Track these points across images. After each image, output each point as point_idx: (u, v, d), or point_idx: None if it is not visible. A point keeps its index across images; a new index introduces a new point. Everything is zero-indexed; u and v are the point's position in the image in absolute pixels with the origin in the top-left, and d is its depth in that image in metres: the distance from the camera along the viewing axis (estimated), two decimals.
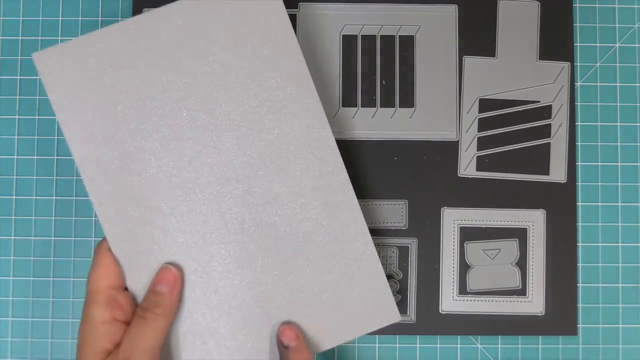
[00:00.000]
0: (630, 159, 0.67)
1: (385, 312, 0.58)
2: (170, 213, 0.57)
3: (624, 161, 0.67)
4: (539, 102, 0.67)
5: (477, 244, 0.66)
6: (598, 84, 0.68)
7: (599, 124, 0.67)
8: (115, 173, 0.56)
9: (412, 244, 0.66)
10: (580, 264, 0.66)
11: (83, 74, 0.57)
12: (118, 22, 0.57)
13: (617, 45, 0.68)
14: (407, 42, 0.67)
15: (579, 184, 0.67)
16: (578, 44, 0.68)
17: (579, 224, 0.67)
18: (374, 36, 0.67)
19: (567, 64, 0.67)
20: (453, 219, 0.66)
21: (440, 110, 0.66)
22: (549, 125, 0.67)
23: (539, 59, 0.67)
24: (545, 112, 0.67)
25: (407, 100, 0.66)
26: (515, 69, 0.67)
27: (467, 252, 0.66)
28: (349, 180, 0.57)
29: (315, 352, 0.56)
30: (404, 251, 0.66)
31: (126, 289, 0.56)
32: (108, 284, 0.55)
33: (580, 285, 0.66)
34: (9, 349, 0.65)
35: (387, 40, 0.67)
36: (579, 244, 0.66)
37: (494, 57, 0.67)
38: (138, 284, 0.56)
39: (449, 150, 0.66)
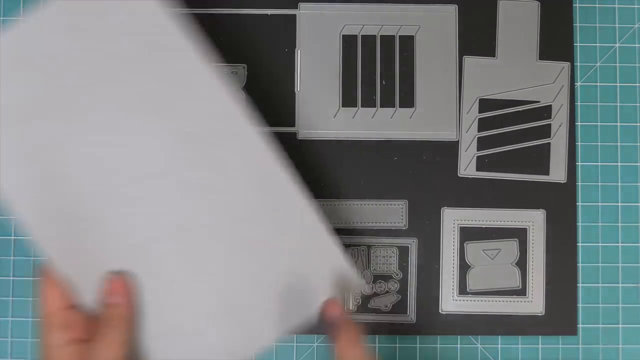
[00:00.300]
0: (630, 159, 0.67)
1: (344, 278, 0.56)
2: (106, 220, 0.55)
3: (624, 161, 0.67)
4: (539, 102, 0.67)
5: (477, 244, 0.66)
6: (598, 84, 0.68)
7: (599, 124, 0.67)
8: (40, 192, 0.54)
9: (412, 244, 0.66)
10: (580, 264, 0.66)
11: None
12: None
13: (617, 45, 0.68)
14: (407, 42, 0.67)
15: (579, 184, 0.67)
16: (578, 44, 0.68)
17: (579, 224, 0.67)
18: (374, 36, 0.67)
19: (567, 64, 0.67)
20: (453, 219, 0.66)
21: (440, 110, 0.66)
22: (549, 125, 0.67)
23: (539, 59, 0.67)
24: (545, 112, 0.67)
25: (407, 100, 0.66)
26: (515, 69, 0.67)
27: (467, 252, 0.66)
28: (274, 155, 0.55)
29: (283, 332, 0.55)
30: (403, 251, 0.66)
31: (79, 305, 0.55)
32: (57, 306, 0.53)
33: (580, 285, 0.66)
34: (9, 349, 0.65)
35: (387, 40, 0.67)
36: (579, 244, 0.66)
37: (494, 57, 0.67)
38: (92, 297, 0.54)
39: (449, 150, 0.66)
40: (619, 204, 0.67)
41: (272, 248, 0.56)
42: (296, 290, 0.56)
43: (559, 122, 0.67)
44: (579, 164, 0.67)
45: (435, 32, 0.67)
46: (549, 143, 0.67)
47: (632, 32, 0.68)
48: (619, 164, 0.67)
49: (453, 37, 0.67)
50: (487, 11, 0.67)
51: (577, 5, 0.68)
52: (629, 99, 0.68)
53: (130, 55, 0.55)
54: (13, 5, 0.68)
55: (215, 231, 0.56)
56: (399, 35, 0.67)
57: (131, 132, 0.55)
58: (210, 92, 0.55)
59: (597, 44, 0.68)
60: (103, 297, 0.54)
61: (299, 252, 0.56)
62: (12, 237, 0.66)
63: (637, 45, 0.68)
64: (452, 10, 0.67)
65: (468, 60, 0.67)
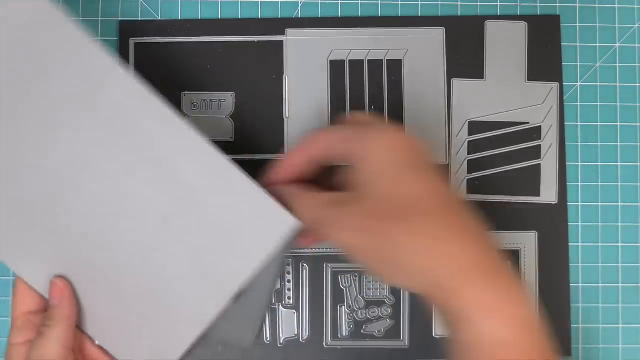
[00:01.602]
0: (630, 159, 0.67)
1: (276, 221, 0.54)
2: (51, 219, 0.56)
3: (623, 161, 0.67)
4: (529, 123, 0.66)
5: None
6: (598, 84, 0.67)
7: (599, 124, 0.67)
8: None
9: None
10: (580, 264, 0.66)
11: None
12: None
13: (617, 45, 0.68)
14: (395, 66, 0.67)
15: (579, 184, 0.66)
16: (578, 44, 0.67)
17: (579, 224, 0.66)
18: (362, 61, 0.67)
19: (555, 84, 0.67)
20: None
21: (429, 134, 0.66)
22: (539, 146, 0.66)
23: (528, 79, 0.67)
24: (534, 133, 0.66)
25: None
26: (504, 90, 0.67)
27: None
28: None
29: (232, 291, 0.55)
30: None
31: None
32: (23, 309, 0.57)
33: (580, 285, 0.66)
34: None
35: (375, 64, 0.67)
36: (579, 244, 0.66)
37: (483, 79, 0.67)
38: None
39: (440, 173, 0.65)
40: (619, 204, 0.67)
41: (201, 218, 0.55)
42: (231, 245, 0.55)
43: (549, 143, 0.66)
44: (579, 163, 0.67)
45: (423, 55, 0.67)
46: (540, 164, 0.66)
47: (632, 32, 0.68)
48: (619, 164, 0.67)
49: (441, 60, 0.67)
50: (475, 33, 0.67)
51: (577, 5, 0.68)
52: (629, 99, 0.67)
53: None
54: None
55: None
56: (387, 59, 0.67)
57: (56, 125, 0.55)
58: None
59: (597, 44, 0.68)
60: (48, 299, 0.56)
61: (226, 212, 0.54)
62: None
63: (637, 45, 0.68)
64: (439, 33, 0.67)
65: (457, 82, 0.67)
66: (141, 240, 0.56)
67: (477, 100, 0.67)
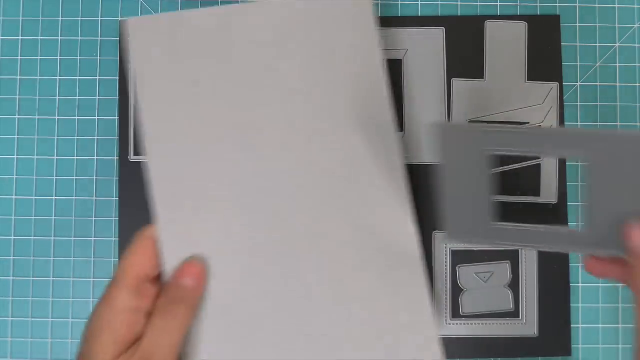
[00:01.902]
0: None
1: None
2: (226, 210, 0.57)
3: None
4: (529, 123, 0.66)
5: (469, 267, 0.65)
6: (598, 84, 0.67)
7: (599, 124, 0.67)
8: (181, 159, 0.58)
9: None
10: (580, 264, 0.66)
11: (169, 47, 0.58)
12: (210, 7, 0.60)
13: (617, 45, 0.67)
14: (395, 66, 0.67)
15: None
16: (578, 44, 0.67)
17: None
18: None
19: (555, 85, 0.67)
20: (444, 243, 0.66)
21: (429, 134, 0.66)
22: None
23: (528, 79, 0.66)
24: None
25: (396, 125, 0.66)
26: (504, 90, 0.66)
27: (460, 276, 0.65)
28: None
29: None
30: None
31: (160, 281, 0.56)
32: (139, 270, 0.54)
33: (580, 285, 0.66)
34: (9, 349, 0.65)
35: None
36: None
37: (483, 79, 0.67)
38: None
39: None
40: None
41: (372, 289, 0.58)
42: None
43: None
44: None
45: (423, 55, 0.67)
46: (539, 164, 0.66)
47: (632, 32, 0.68)
48: None
49: (441, 60, 0.67)
50: (475, 33, 0.67)
51: (577, 5, 0.68)
52: (629, 99, 0.67)
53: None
54: (13, 5, 0.68)
55: (325, 260, 0.58)
56: (387, 60, 0.66)
57: (288, 137, 0.58)
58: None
59: (597, 44, 0.67)
60: (175, 276, 0.55)
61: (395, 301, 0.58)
62: (12, 237, 0.66)
63: (637, 45, 0.68)
64: (439, 33, 0.67)
65: (457, 83, 0.67)
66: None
67: (477, 100, 0.66)
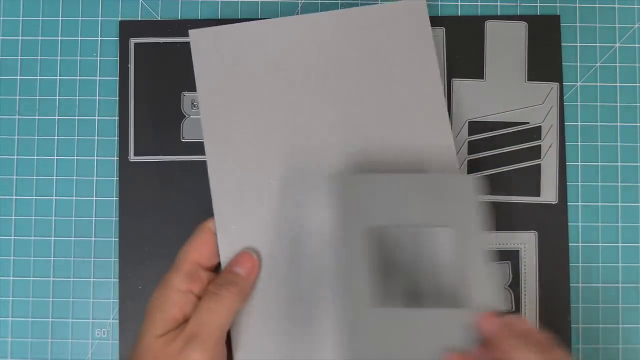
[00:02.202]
0: (630, 159, 0.67)
1: None
2: (277, 207, 0.60)
3: (623, 161, 0.67)
4: (529, 123, 0.66)
5: None
6: (598, 84, 0.67)
7: (598, 124, 0.67)
8: (238, 161, 0.60)
9: None
10: (580, 264, 0.66)
11: (228, 58, 0.61)
12: (268, 19, 0.62)
13: (617, 45, 0.67)
14: None
15: (579, 184, 0.66)
16: (578, 44, 0.67)
17: (579, 224, 0.66)
18: None
19: (555, 85, 0.67)
20: None
21: None
22: (539, 147, 0.66)
23: (528, 79, 0.67)
24: (534, 133, 0.66)
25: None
26: (504, 90, 0.66)
27: None
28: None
29: None
30: None
31: (214, 271, 0.58)
32: (196, 257, 0.57)
33: (580, 285, 0.66)
34: (9, 349, 0.65)
35: None
36: (579, 244, 0.66)
37: (483, 79, 0.67)
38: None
39: None
40: (619, 204, 0.67)
41: None
42: None
43: (548, 143, 0.66)
44: (579, 163, 0.66)
45: None
46: (539, 164, 0.66)
47: (632, 32, 0.68)
48: (619, 164, 0.67)
49: (441, 60, 0.67)
50: (475, 33, 0.67)
51: (577, 5, 0.68)
52: (629, 99, 0.67)
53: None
54: (13, 5, 0.68)
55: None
56: None
57: (345, 134, 0.61)
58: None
59: (597, 44, 0.67)
60: (228, 265, 0.57)
61: None
62: (12, 237, 0.66)
63: (637, 45, 0.68)
64: (439, 33, 0.67)
65: (457, 82, 0.67)
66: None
67: (477, 100, 0.66)
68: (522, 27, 0.67)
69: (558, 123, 0.66)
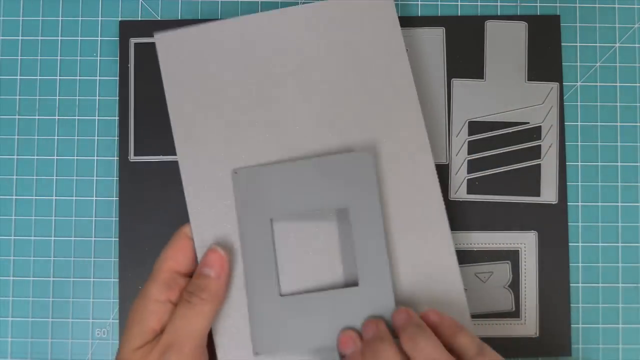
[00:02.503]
0: (630, 159, 0.67)
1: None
2: None
3: (623, 161, 0.67)
4: (529, 123, 0.66)
5: (469, 268, 0.65)
6: (598, 84, 0.67)
7: (599, 124, 0.67)
8: (212, 156, 0.59)
9: None
10: (580, 264, 0.66)
11: (196, 59, 0.60)
12: (235, 17, 0.61)
13: (617, 45, 0.67)
14: None
15: (580, 184, 0.66)
16: (578, 44, 0.67)
17: (579, 224, 0.66)
18: None
19: (555, 84, 0.67)
20: None
21: (429, 134, 0.65)
22: (539, 147, 0.66)
23: (528, 79, 0.67)
24: (534, 133, 0.66)
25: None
26: (504, 90, 0.66)
27: None
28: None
29: None
30: None
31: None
32: (172, 265, 0.56)
33: (580, 285, 0.66)
34: (9, 349, 0.65)
35: None
36: (579, 244, 0.66)
37: (483, 79, 0.67)
38: None
39: (439, 173, 0.64)
40: (619, 204, 0.67)
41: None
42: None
43: (548, 143, 0.66)
44: (579, 164, 0.66)
45: (423, 55, 0.67)
46: (539, 164, 0.66)
47: (632, 32, 0.68)
48: (619, 164, 0.67)
49: (441, 60, 0.67)
50: (475, 33, 0.67)
51: (577, 5, 0.68)
52: (629, 99, 0.67)
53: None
54: (13, 5, 0.68)
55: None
56: None
57: (319, 131, 0.60)
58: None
59: (597, 44, 0.68)
60: (198, 267, 0.56)
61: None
62: (12, 237, 0.66)
63: (637, 45, 0.68)
64: (439, 33, 0.67)
65: (456, 82, 0.67)
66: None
67: (477, 100, 0.66)
68: (522, 27, 0.67)
69: (558, 123, 0.66)
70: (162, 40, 0.60)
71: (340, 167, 0.57)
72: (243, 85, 0.60)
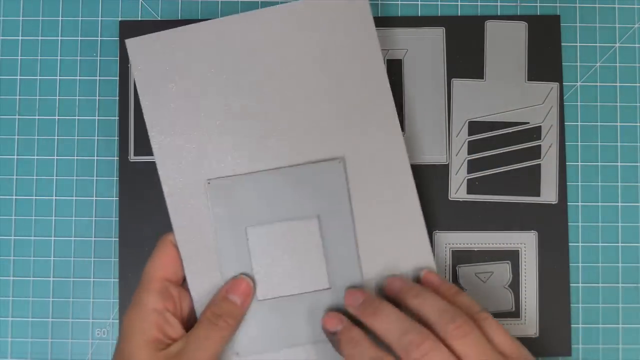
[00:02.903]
0: (630, 159, 0.67)
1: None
2: None
3: (623, 161, 0.67)
4: (529, 123, 0.66)
5: (469, 268, 0.65)
6: (598, 84, 0.67)
7: (599, 124, 0.67)
8: (189, 165, 0.59)
9: None
10: (580, 264, 0.66)
11: (170, 65, 0.59)
12: (209, 20, 0.60)
13: (617, 45, 0.67)
14: (395, 66, 0.66)
15: (580, 184, 0.66)
16: (578, 44, 0.67)
17: (579, 224, 0.66)
18: None
19: (555, 85, 0.67)
20: (444, 243, 0.66)
21: (429, 134, 0.66)
22: (539, 147, 0.66)
23: (528, 79, 0.66)
24: (534, 133, 0.66)
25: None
26: (504, 90, 0.66)
27: (460, 276, 0.65)
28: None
29: None
30: None
31: (181, 285, 0.58)
32: (164, 275, 0.56)
33: (580, 285, 0.66)
34: (9, 349, 0.65)
35: None
36: (579, 244, 0.66)
37: (483, 79, 0.67)
38: (198, 283, 0.58)
39: (439, 173, 0.65)
40: (619, 204, 0.67)
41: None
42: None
43: (548, 143, 0.66)
44: (579, 164, 0.66)
45: (423, 55, 0.67)
46: (540, 164, 0.66)
47: (632, 32, 0.68)
48: (618, 164, 0.67)
49: (441, 60, 0.67)
50: (475, 33, 0.67)
51: (577, 5, 0.68)
52: (629, 99, 0.67)
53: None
54: (13, 5, 0.68)
55: None
56: (387, 59, 0.66)
57: (296, 135, 0.60)
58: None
59: (597, 44, 0.67)
60: (224, 291, 0.56)
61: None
62: (12, 237, 0.66)
63: (637, 45, 0.68)
64: (439, 33, 0.67)
65: (456, 82, 0.67)
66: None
67: (477, 100, 0.66)
68: (522, 27, 0.67)
69: (558, 123, 0.66)
70: (134, 46, 0.60)
71: (312, 176, 0.58)
72: (216, 91, 0.60)
